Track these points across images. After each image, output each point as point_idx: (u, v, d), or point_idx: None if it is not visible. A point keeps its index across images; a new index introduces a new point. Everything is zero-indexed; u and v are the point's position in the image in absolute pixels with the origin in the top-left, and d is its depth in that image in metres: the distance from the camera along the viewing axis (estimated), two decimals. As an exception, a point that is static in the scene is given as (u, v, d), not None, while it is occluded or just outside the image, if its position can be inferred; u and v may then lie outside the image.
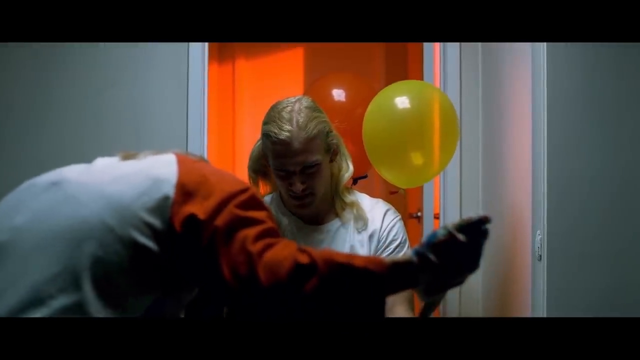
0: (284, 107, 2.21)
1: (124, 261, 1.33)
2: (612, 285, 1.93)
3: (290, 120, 2.17)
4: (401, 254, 2.27)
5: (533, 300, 2.13)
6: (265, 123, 2.23)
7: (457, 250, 1.36)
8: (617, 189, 1.97)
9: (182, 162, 1.41)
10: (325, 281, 1.30)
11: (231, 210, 1.34)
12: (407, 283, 1.38)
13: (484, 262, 2.66)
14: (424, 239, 1.39)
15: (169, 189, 1.35)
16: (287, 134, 2.16)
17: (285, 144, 2.16)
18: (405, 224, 2.42)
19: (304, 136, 2.17)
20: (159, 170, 1.39)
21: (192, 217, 1.33)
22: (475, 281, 3.00)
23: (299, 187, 2.19)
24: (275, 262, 1.30)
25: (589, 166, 2.01)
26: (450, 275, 1.38)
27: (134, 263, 1.33)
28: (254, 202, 1.38)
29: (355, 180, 2.92)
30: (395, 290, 1.39)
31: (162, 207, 1.34)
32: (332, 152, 2.27)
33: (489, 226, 1.38)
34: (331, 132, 2.26)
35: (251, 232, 1.33)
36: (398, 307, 2.21)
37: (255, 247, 1.31)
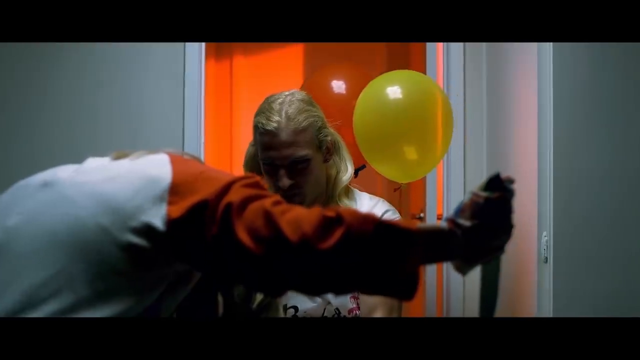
0: (276, 99, 2.16)
1: (119, 262, 1.32)
2: (620, 288, 1.93)
3: (279, 112, 2.12)
4: None
5: (539, 304, 2.13)
6: (255, 115, 2.18)
7: (484, 209, 1.34)
8: (625, 189, 1.97)
9: (175, 161, 1.41)
10: (353, 230, 1.28)
11: (238, 189, 1.33)
12: (441, 249, 1.35)
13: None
14: (452, 210, 1.39)
15: (164, 189, 1.34)
16: (274, 124, 2.10)
17: (272, 135, 2.10)
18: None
19: (293, 127, 2.10)
20: (152, 170, 1.38)
21: (194, 205, 1.32)
22: (479, 283, 2.99)
23: (285, 182, 2.11)
24: (299, 218, 1.28)
25: (596, 166, 2.01)
26: (486, 236, 1.35)
27: (130, 264, 1.32)
28: (260, 185, 1.37)
29: (356, 171, 2.90)
30: (430, 255, 1.35)
31: (158, 208, 1.33)
32: (326, 150, 2.20)
33: (512, 185, 1.36)
34: (325, 128, 2.19)
35: (267, 200, 1.31)
36: (378, 311, 2.13)
37: (274, 209, 1.29)
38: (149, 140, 3.16)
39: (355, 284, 1.35)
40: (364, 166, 2.94)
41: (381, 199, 2.31)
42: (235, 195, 1.31)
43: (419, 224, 1.34)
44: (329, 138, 2.19)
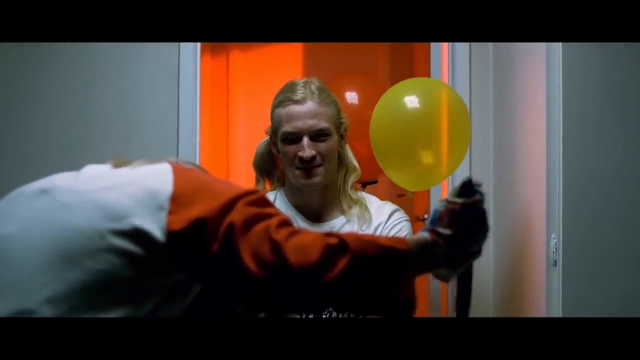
0: (298, 80, 2.36)
1: (115, 270, 1.33)
2: (632, 291, 1.94)
3: (304, 87, 2.32)
4: None
5: (548, 308, 2.14)
6: (277, 96, 2.35)
7: (462, 215, 1.41)
8: (636, 190, 1.98)
9: (177, 171, 1.41)
10: (357, 258, 1.32)
11: (242, 207, 1.34)
12: (429, 261, 1.41)
13: (495, 267, 2.64)
14: (428, 220, 1.44)
15: (165, 199, 1.36)
16: (301, 94, 2.29)
17: (299, 103, 2.28)
18: (412, 227, 2.44)
19: (318, 100, 2.30)
20: (153, 180, 1.39)
21: (195, 220, 1.33)
22: (486, 288, 3.00)
23: (308, 152, 2.27)
24: (304, 246, 1.31)
25: (606, 167, 2.02)
26: (466, 241, 1.42)
27: (126, 272, 1.34)
28: (264, 201, 1.39)
29: (364, 184, 2.93)
30: (419, 269, 1.42)
31: (158, 218, 1.34)
32: (341, 136, 2.36)
33: (482, 189, 1.44)
34: (342, 112, 2.37)
35: (272, 221, 1.34)
36: None
37: (279, 235, 1.32)
38: (142, 140, 3.17)
39: (356, 308, 1.40)
40: (376, 181, 2.98)
41: (390, 202, 2.45)
42: (238, 215, 1.33)
43: (408, 241, 1.39)
44: (345, 123, 2.37)
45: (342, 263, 1.31)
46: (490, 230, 1.45)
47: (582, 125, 2.06)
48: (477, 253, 1.45)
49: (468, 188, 1.43)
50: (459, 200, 1.42)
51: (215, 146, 4.45)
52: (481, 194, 1.44)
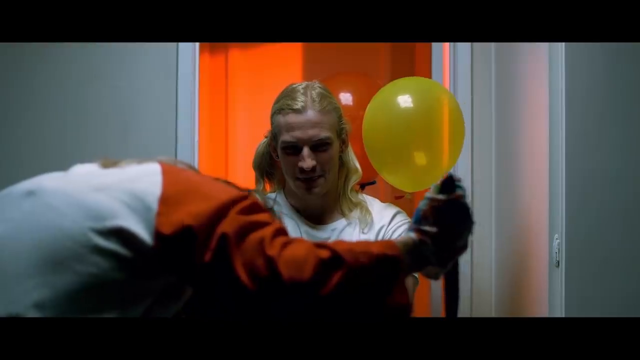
0: (298, 85, 2.31)
1: (103, 273, 1.33)
2: (635, 293, 1.95)
3: (304, 94, 2.28)
4: None
5: (550, 309, 2.15)
6: (277, 102, 2.31)
7: (445, 212, 1.43)
8: (639, 189, 1.99)
9: (167, 172, 1.41)
10: (351, 271, 1.33)
11: (234, 216, 1.34)
12: (419, 261, 1.43)
13: (497, 268, 2.65)
14: (412, 219, 1.47)
15: (153, 201, 1.35)
16: (301, 103, 2.25)
17: (299, 112, 2.25)
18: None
19: (318, 109, 2.26)
20: (142, 180, 1.39)
21: (183, 226, 1.33)
22: (488, 288, 3.01)
23: (309, 162, 2.24)
24: (297, 261, 1.31)
25: (609, 166, 2.03)
26: (452, 237, 1.44)
27: (114, 275, 1.33)
28: (257, 207, 1.39)
29: (362, 186, 2.94)
30: (409, 270, 1.43)
31: (146, 220, 1.34)
32: (342, 141, 2.33)
33: (463, 184, 1.47)
34: (343, 117, 2.34)
35: (266, 232, 1.34)
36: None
37: (273, 249, 1.32)
38: (141, 140, 3.16)
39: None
40: (374, 182, 2.98)
41: (392, 204, 2.43)
42: (231, 224, 1.33)
43: (397, 244, 1.40)
44: (346, 127, 2.34)
45: (336, 277, 1.32)
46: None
47: (585, 126, 2.07)
48: (464, 248, 1.48)
49: (449, 184, 1.45)
50: (441, 197, 1.44)
51: (214, 146, 4.45)
52: (462, 189, 1.46)
